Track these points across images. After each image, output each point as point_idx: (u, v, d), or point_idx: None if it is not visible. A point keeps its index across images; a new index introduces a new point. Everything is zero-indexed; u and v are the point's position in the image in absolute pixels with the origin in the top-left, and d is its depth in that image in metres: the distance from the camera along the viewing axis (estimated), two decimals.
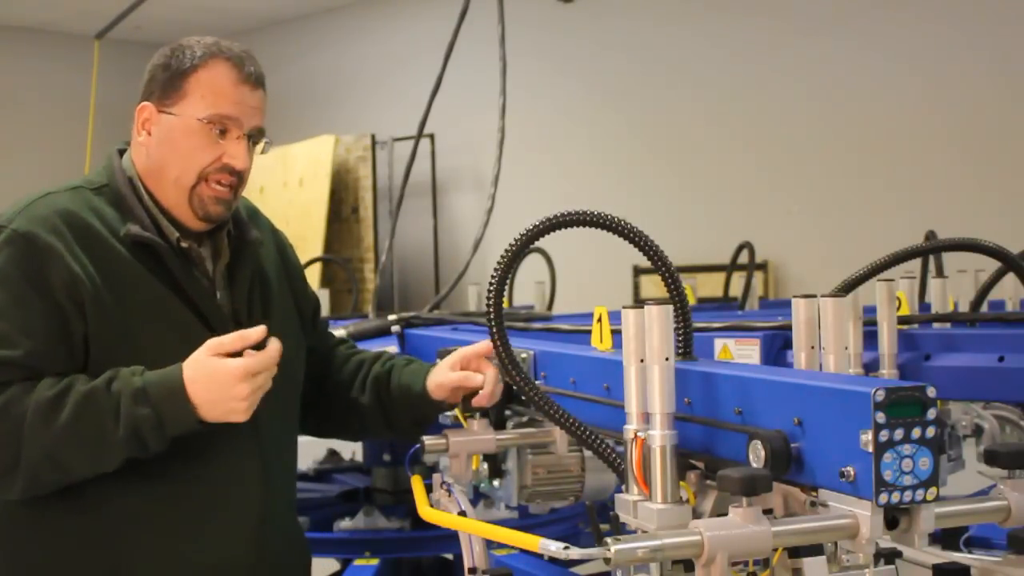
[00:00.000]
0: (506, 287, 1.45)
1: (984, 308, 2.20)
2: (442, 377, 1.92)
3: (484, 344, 1.89)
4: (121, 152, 1.93)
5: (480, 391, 1.87)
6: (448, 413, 1.96)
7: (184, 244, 1.86)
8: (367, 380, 2.07)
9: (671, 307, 1.33)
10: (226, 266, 1.93)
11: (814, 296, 1.50)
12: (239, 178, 1.87)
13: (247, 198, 2.03)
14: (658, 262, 1.43)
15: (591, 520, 1.67)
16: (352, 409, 2.08)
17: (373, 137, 8.23)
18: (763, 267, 6.23)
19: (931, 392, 1.14)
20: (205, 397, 1.72)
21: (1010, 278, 2.33)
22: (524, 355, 1.85)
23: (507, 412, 1.95)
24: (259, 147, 1.91)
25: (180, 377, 1.72)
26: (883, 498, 1.13)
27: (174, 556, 1.83)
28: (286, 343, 1.86)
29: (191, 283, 1.85)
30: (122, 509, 1.81)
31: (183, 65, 1.83)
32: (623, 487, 1.36)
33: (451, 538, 1.98)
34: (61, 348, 1.75)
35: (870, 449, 1.12)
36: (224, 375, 1.72)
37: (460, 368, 1.90)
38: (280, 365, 1.83)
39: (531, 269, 3.60)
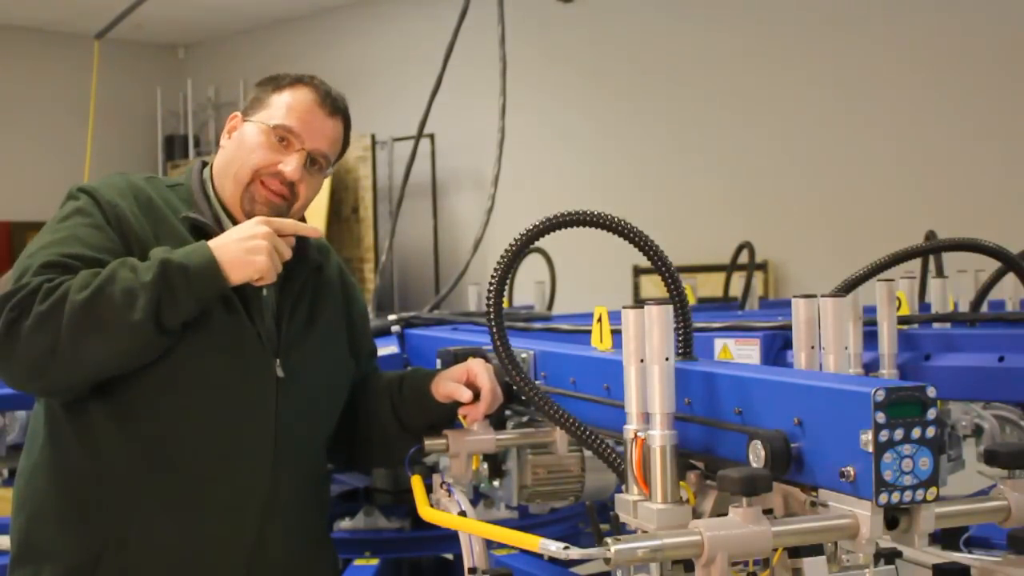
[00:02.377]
0: (506, 287, 1.45)
1: (984, 308, 2.20)
2: (441, 384, 1.96)
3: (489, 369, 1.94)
4: (204, 165, 2.09)
5: (468, 405, 1.91)
6: None
7: None
8: (379, 385, 2.11)
9: (671, 307, 1.33)
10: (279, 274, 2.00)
11: (814, 296, 1.50)
12: (291, 190, 1.98)
13: (323, 239, 2.18)
14: (658, 262, 1.43)
15: (591, 520, 1.67)
16: (371, 421, 2.10)
17: (373, 137, 8.23)
18: (763, 267, 6.23)
19: (931, 392, 1.14)
20: (224, 241, 1.82)
21: (1010, 278, 2.33)
22: (524, 355, 1.85)
23: (507, 412, 1.96)
24: (321, 171, 2.04)
25: (206, 242, 1.83)
26: (883, 498, 1.13)
27: (168, 531, 1.85)
28: (327, 365, 2.02)
29: None
30: (129, 467, 1.84)
31: (274, 85, 2.03)
32: (623, 487, 1.36)
33: (451, 538, 1.98)
34: None
35: (870, 449, 1.12)
36: (244, 224, 1.85)
37: (464, 381, 1.94)
38: (316, 385, 1.98)
39: (531, 269, 3.60)
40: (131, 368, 1.80)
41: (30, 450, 1.94)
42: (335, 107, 2.04)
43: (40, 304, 1.71)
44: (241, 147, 1.99)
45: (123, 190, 1.92)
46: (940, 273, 2.47)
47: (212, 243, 1.82)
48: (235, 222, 1.97)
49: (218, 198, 2.01)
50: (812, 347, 1.49)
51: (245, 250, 1.80)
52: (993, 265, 2.01)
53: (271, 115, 1.99)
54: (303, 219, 2.09)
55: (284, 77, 2.05)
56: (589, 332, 1.73)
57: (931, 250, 2.28)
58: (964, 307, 2.38)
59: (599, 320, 1.67)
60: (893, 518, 1.18)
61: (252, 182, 1.97)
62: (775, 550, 1.26)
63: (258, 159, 1.96)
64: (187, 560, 1.86)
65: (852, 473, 1.15)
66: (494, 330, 1.45)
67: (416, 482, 1.84)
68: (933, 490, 1.15)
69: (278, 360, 1.93)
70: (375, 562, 2.59)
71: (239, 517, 1.89)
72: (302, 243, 2.06)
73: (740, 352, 1.93)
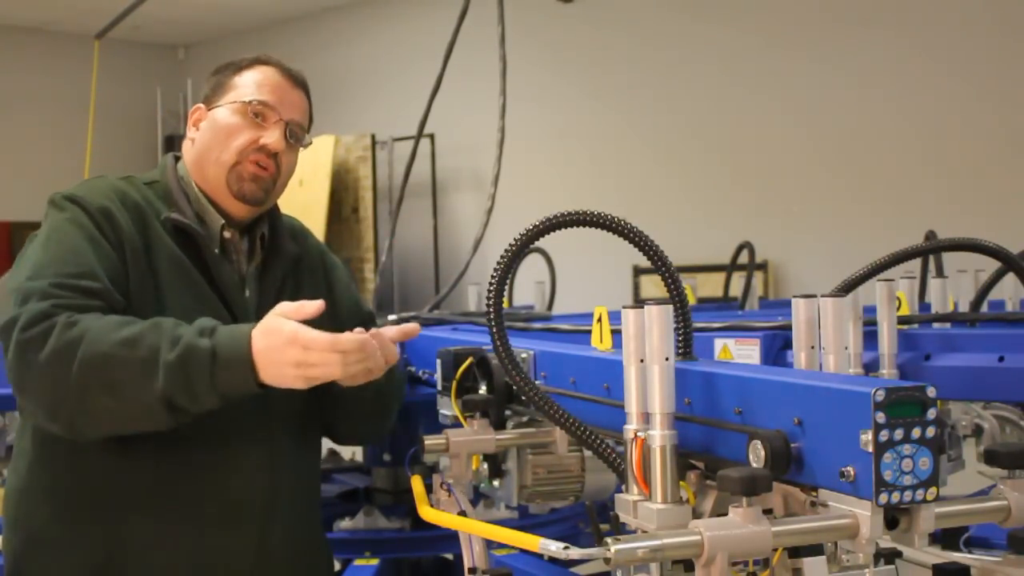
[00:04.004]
0: (506, 287, 1.45)
1: (984, 308, 2.20)
2: None
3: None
4: (176, 160, 2.05)
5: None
6: (447, 413, 1.96)
7: (227, 233, 1.96)
8: None
9: (671, 307, 1.33)
10: (256, 268, 2.00)
11: (814, 296, 1.50)
12: (276, 163, 1.96)
13: (300, 221, 2.15)
14: (658, 262, 1.43)
15: (591, 520, 1.67)
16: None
17: (373, 137, 8.23)
18: (763, 267, 6.23)
19: (931, 392, 1.14)
20: (271, 343, 1.68)
21: (1010, 278, 2.33)
22: (524, 355, 1.85)
23: (507, 412, 1.96)
24: (299, 142, 2.02)
25: (248, 329, 1.70)
26: (883, 498, 1.13)
27: (168, 546, 1.85)
28: None
29: (223, 274, 1.93)
30: (125, 486, 1.83)
31: (234, 68, 2.01)
32: (623, 487, 1.36)
33: (451, 538, 1.98)
34: (120, 291, 1.81)
35: (870, 449, 1.12)
36: (280, 332, 1.68)
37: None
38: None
39: (531, 269, 3.60)
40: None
41: (17, 468, 1.90)
42: (298, 80, 2.04)
43: (57, 340, 1.65)
44: (218, 131, 1.96)
45: (108, 193, 1.89)
46: (940, 273, 2.46)
47: (257, 336, 1.68)
48: (220, 211, 1.96)
49: (198, 190, 1.98)
50: (812, 347, 1.49)
51: (286, 368, 1.67)
52: (993, 265, 2.00)
53: (241, 94, 1.97)
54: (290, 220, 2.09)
55: (241, 60, 2.03)
56: (589, 332, 1.73)
57: (931, 250, 2.28)
58: (964, 307, 2.37)
59: (599, 320, 1.67)
60: (893, 518, 1.18)
61: (238, 163, 1.95)
62: (775, 550, 1.26)
63: (241, 138, 1.94)
64: (190, 573, 1.85)
65: (852, 473, 1.14)
66: (494, 330, 1.44)
67: (416, 482, 1.84)
68: (933, 490, 1.15)
69: None
70: (375, 562, 2.59)
71: (240, 523, 1.88)
72: (276, 232, 2.04)
73: (740, 352, 1.93)
